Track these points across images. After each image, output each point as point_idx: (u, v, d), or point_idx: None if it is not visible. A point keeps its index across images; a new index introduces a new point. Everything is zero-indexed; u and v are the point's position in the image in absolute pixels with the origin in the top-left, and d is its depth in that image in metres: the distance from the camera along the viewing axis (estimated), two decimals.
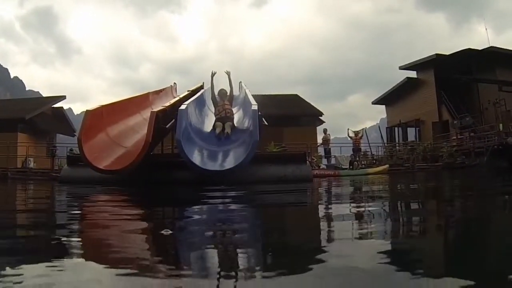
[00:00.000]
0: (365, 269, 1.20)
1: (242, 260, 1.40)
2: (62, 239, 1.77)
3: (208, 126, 9.05)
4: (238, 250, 1.56)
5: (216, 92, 9.81)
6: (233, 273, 1.18)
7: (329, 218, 2.63)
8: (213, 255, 1.50)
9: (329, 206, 3.54)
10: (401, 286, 1.06)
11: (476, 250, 1.52)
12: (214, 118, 9.09)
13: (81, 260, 1.39)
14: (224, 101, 9.21)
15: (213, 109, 9.89)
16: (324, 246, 1.67)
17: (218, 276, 1.15)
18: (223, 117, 8.72)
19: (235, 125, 8.74)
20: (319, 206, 3.71)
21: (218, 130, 8.23)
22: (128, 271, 1.15)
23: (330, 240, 1.82)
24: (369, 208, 3.13)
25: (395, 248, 1.59)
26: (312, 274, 1.17)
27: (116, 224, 2.35)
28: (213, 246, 1.65)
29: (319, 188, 6.14)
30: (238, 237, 1.89)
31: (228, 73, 9.86)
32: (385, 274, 1.16)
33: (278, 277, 1.12)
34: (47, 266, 1.20)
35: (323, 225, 2.34)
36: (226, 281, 1.10)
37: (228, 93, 9.67)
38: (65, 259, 1.34)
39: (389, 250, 1.54)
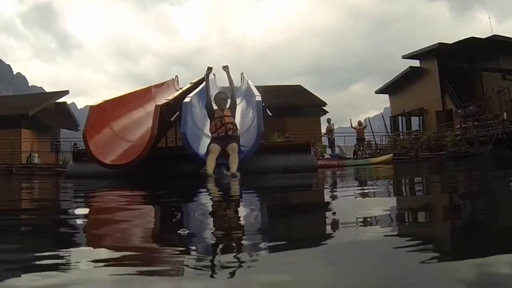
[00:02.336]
0: None
1: None
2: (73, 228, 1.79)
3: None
4: None
5: (212, 96, 7.38)
6: None
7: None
8: None
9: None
10: None
11: None
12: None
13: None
14: (223, 111, 6.73)
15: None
16: None
17: None
18: (223, 137, 6.36)
19: (241, 144, 6.54)
20: None
21: (210, 164, 5.80)
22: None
23: None
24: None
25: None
26: None
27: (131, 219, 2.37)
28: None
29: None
30: None
31: (226, 69, 7.51)
32: None
33: None
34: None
35: None
36: None
37: (229, 98, 7.05)
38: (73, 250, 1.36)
39: None
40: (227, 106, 6.91)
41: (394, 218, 1.68)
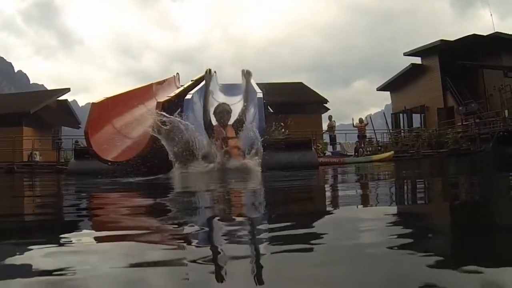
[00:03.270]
0: None
1: None
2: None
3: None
4: None
5: (212, 110, 5.84)
6: None
7: None
8: None
9: None
10: None
11: None
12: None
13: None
14: (225, 128, 5.45)
15: None
16: None
17: None
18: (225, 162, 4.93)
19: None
20: None
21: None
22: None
23: None
24: None
25: None
26: None
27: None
28: None
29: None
30: None
31: (247, 77, 6.18)
32: None
33: None
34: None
35: None
36: None
37: (238, 111, 5.66)
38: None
39: None
40: (231, 123, 5.65)
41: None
